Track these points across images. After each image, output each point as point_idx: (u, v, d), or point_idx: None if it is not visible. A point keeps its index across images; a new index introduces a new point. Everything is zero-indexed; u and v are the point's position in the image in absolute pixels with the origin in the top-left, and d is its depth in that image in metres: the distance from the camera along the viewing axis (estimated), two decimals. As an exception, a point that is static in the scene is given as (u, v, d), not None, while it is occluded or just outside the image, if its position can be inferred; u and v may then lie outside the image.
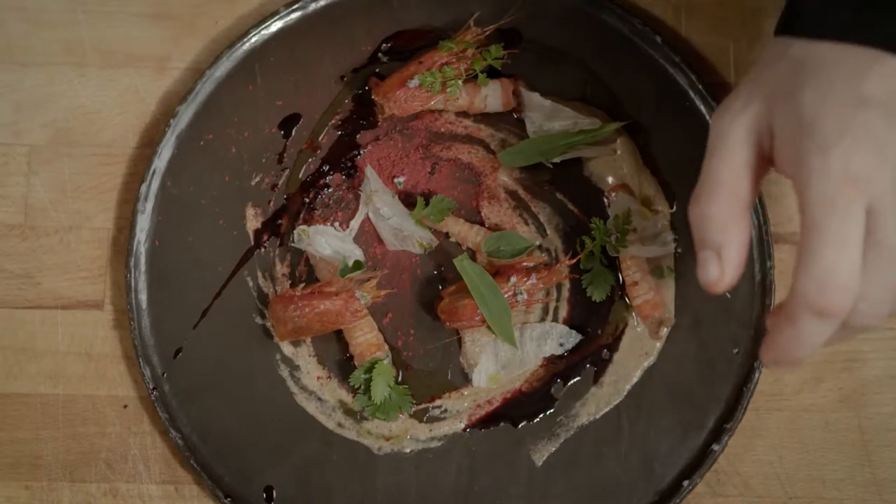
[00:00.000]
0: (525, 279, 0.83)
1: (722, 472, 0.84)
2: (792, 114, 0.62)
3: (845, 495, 0.83)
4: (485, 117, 0.88)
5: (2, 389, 0.84)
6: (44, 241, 0.86)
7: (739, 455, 0.84)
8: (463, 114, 0.88)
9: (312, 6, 0.87)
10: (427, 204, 0.85)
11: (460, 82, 0.85)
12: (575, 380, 0.84)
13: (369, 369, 0.83)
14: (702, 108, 0.85)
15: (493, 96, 0.87)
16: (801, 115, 0.61)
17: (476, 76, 0.86)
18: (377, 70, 0.88)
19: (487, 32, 0.86)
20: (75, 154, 0.87)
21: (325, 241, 0.84)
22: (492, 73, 0.87)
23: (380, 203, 0.85)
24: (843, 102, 0.60)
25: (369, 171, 0.86)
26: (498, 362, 0.84)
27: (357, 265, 0.83)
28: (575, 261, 0.84)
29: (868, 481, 0.83)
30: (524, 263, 0.84)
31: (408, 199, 0.86)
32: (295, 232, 0.85)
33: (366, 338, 0.83)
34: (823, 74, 0.62)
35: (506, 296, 0.83)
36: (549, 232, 0.87)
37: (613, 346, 0.85)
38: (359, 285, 0.82)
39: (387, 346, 0.84)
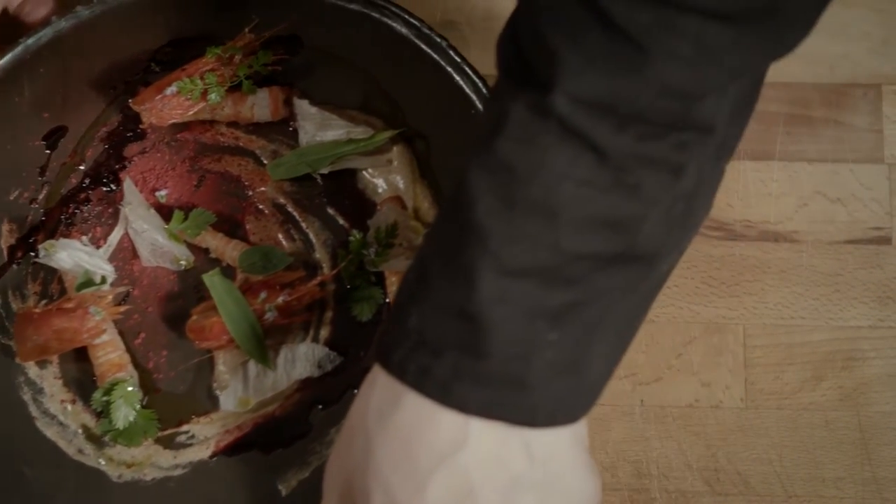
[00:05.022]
0: (276, 295, 0.78)
1: (721, 470, 0.81)
2: None
3: (845, 494, 0.80)
4: (258, 128, 0.83)
5: None
6: None
7: (739, 454, 0.81)
8: (235, 124, 0.83)
9: (87, 14, 0.83)
10: (186, 218, 0.80)
11: (223, 90, 0.81)
12: (335, 405, 0.79)
13: (108, 391, 0.77)
14: (485, 114, 0.80)
15: (260, 105, 0.82)
16: None
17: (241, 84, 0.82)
18: (149, 80, 0.84)
19: (262, 39, 0.82)
20: None
21: (68, 255, 0.79)
22: (269, 81, 0.83)
23: (133, 216, 0.80)
24: None
25: (126, 184, 0.81)
26: (249, 385, 0.78)
27: (92, 280, 0.78)
28: (332, 276, 0.79)
29: (868, 480, 0.81)
30: (281, 280, 0.79)
31: (171, 214, 0.82)
32: (41, 247, 0.80)
33: (108, 357, 0.78)
34: (391, 483, 0.58)
35: (255, 313, 0.77)
36: (317, 247, 0.81)
37: (377, 369, 0.78)
38: (95, 301, 0.77)
39: (132, 367, 0.79)
